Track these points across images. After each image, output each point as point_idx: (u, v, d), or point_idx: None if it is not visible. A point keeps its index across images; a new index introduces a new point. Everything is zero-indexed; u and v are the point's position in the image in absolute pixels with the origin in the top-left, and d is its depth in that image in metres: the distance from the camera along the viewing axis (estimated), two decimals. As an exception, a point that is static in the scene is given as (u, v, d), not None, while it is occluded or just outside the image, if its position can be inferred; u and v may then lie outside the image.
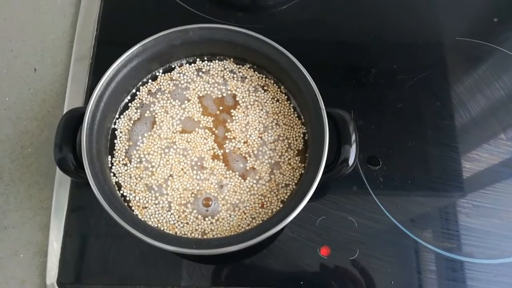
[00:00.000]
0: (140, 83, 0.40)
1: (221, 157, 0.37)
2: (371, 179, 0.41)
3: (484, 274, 0.39)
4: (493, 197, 0.41)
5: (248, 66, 0.40)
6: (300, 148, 0.38)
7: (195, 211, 0.35)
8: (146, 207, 0.35)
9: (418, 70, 0.45)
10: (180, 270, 0.38)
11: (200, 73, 0.40)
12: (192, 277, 0.38)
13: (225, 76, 0.40)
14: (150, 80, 0.40)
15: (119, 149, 0.37)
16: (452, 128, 0.44)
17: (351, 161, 0.36)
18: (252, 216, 0.35)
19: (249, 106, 0.39)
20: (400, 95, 0.45)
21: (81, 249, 0.38)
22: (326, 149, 0.33)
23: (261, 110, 0.39)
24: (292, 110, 0.39)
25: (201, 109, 0.39)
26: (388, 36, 0.47)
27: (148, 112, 0.38)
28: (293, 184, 0.37)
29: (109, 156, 0.37)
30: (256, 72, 0.40)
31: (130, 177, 0.36)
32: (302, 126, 0.39)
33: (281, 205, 0.36)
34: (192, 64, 0.40)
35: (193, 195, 0.36)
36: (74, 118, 0.35)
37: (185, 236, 0.34)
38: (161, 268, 0.38)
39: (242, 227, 0.35)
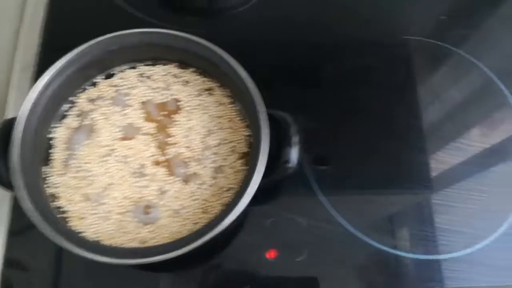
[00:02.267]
0: (80, 90, 0.39)
1: (163, 163, 0.37)
2: (321, 179, 0.41)
3: (435, 271, 0.39)
4: (447, 194, 0.42)
5: (192, 70, 0.40)
6: (244, 151, 0.38)
7: (135, 219, 0.35)
8: (83, 218, 0.34)
9: (369, 70, 0.46)
10: (129, 281, 0.38)
11: (142, 78, 0.40)
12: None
13: (168, 81, 0.40)
14: (90, 87, 0.39)
15: (56, 159, 0.36)
16: (401, 126, 0.44)
17: (292, 162, 0.35)
18: (195, 222, 0.35)
19: (193, 111, 0.39)
20: (353, 95, 0.45)
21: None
22: (261, 151, 0.33)
23: (205, 114, 0.39)
24: (237, 113, 0.39)
25: (143, 115, 0.38)
26: (341, 37, 0.48)
27: (87, 119, 0.38)
28: (237, 187, 0.36)
29: (46, 166, 0.36)
30: (200, 76, 0.40)
31: (68, 187, 0.35)
32: (247, 129, 0.38)
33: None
34: (134, 69, 0.40)
35: (133, 203, 0.35)
36: (8, 128, 0.34)
37: (122, 246, 0.33)
38: (111, 283, 0.38)
39: (183, 233, 0.34)
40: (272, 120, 0.36)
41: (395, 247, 0.39)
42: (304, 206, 0.41)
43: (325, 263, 0.39)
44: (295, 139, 0.36)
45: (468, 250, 0.39)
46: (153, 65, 0.40)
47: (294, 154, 0.36)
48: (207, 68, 0.39)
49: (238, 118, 0.38)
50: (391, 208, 0.41)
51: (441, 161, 0.42)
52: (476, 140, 0.43)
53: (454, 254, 0.39)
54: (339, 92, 0.45)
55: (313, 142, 0.42)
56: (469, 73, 0.46)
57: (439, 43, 0.47)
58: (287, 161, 0.35)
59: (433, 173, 0.42)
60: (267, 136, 0.34)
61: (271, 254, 0.39)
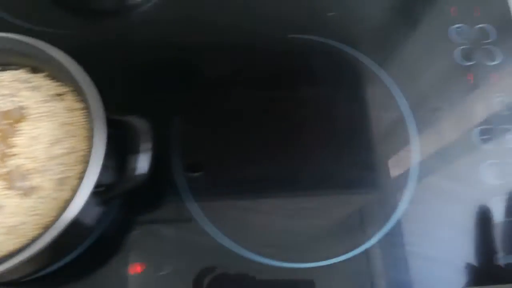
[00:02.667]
0: None
1: (3, 176, 0.34)
2: (193, 188, 0.39)
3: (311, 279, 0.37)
4: (315, 198, 0.40)
5: (44, 74, 0.37)
6: (95, 160, 0.35)
7: (-37, 239, 0.32)
8: None
9: (251, 70, 0.44)
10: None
11: (-13, 85, 0.37)
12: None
13: (16, 87, 0.37)
14: None
15: None
16: (279, 130, 0.42)
17: (140, 170, 0.33)
18: (33, 238, 0.32)
19: (40, 118, 0.36)
20: (231, 96, 0.43)
21: None
22: (92, 160, 0.31)
23: (53, 121, 0.36)
24: (87, 119, 0.36)
25: (-17, 125, 0.35)
26: (222, 38, 0.45)
27: None
28: (83, 199, 0.34)
29: None
30: (52, 81, 0.37)
31: None
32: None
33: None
34: (-22, 76, 0.37)
35: (-39, 221, 0.32)
36: None
37: None
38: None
39: (16, 251, 0.32)
40: (123, 125, 0.34)
41: (267, 257, 0.37)
42: (173, 216, 0.38)
43: (189, 277, 0.36)
44: (145, 145, 0.34)
45: (341, 258, 0.38)
46: (3, 70, 0.37)
47: (142, 162, 0.34)
48: (56, 72, 0.36)
49: (89, 125, 0.36)
50: (262, 216, 0.39)
51: (316, 163, 0.41)
52: (358, 140, 0.42)
53: (326, 262, 0.38)
54: (219, 96, 0.43)
55: (187, 148, 0.40)
56: (357, 69, 0.44)
57: (325, 40, 0.45)
58: (134, 169, 0.33)
59: (305, 177, 0.40)
60: (100, 142, 0.31)
61: (135, 269, 0.37)
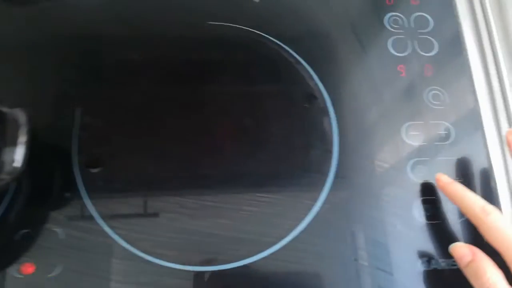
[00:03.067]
0: None
1: None
2: (89, 183, 0.37)
3: (205, 283, 0.34)
4: (226, 195, 0.37)
5: None
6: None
7: None
8: None
9: (160, 60, 0.41)
10: None
11: None
12: None
13: None
14: None
15: None
16: (186, 125, 0.39)
17: (12, 163, 0.31)
18: None
19: None
20: (139, 88, 0.40)
21: None
22: None
23: None
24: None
25: None
26: (129, 25, 0.42)
27: None
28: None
29: None
30: None
31: None
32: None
33: None
34: None
35: None
36: None
37: None
38: None
39: None
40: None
41: (165, 259, 0.35)
42: (68, 214, 0.36)
43: (81, 278, 0.34)
44: (21, 138, 0.32)
45: (247, 261, 0.35)
46: None
47: (17, 155, 0.31)
48: None
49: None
50: (163, 216, 0.36)
51: (225, 160, 0.38)
52: (274, 137, 0.39)
53: (232, 265, 0.35)
54: (126, 89, 0.40)
55: (88, 143, 0.38)
56: (278, 61, 0.41)
57: (246, 28, 0.42)
58: (8, 162, 0.31)
59: (212, 175, 0.37)
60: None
61: (27, 269, 0.34)
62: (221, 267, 0.35)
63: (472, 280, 0.31)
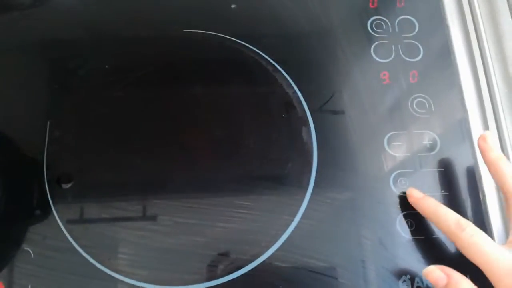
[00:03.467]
0: None
1: None
2: (59, 200, 0.36)
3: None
4: (200, 211, 0.36)
5: None
6: None
7: None
8: None
9: (134, 68, 0.40)
10: None
11: None
12: None
13: None
14: None
15: None
16: (162, 134, 0.38)
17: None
18: None
19: None
20: (110, 98, 0.39)
21: None
22: None
23: None
24: None
25: None
26: (101, 33, 0.41)
27: None
28: None
29: None
30: None
31: None
32: None
33: None
34: None
35: None
36: None
37: None
38: None
39: None
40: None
41: (134, 278, 0.34)
42: (38, 232, 0.35)
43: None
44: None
45: (222, 280, 0.34)
46: None
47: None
48: None
49: None
50: (136, 234, 0.35)
51: (200, 171, 0.37)
52: (255, 148, 0.38)
53: (207, 284, 0.34)
54: (98, 98, 0.39)
55: (57, 156, 0.37)
56: (255, 68, 0.40)
57: (223, 35, 0.41)
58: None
59: (186, 187, 0.36)
60: None
61: (-5, 289, 0.34)
62: (195, 287, 0.34)
63: None
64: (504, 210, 0.36)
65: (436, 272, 0.30)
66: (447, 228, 0.31)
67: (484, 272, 0.30)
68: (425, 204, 0.34)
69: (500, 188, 0.34)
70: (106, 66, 0.39)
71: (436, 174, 0.36)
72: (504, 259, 0.29)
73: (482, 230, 0.34)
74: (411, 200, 0.35)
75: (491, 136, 0.34)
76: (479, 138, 0.35)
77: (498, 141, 0.38)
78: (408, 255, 0.35)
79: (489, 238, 0.30)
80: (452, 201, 0.36)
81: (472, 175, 0.37)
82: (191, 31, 0.41)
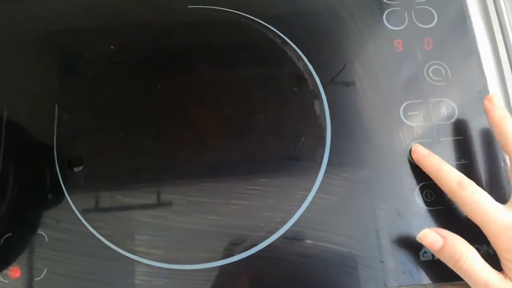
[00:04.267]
0: None
1: None
2: (71, 183, 0.35)
3: (194, 281, 0.33)
4: (212, 189, 0.35)
5: None
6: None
7: None
8: None
9: (140, 48, 0.39)
10: None
11: None
12: None
13: None
14: None
15: None
16: (170, 116, 0.37)
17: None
18: None
19: None
20: (117, 79, 0.38)
21: None
22: None
23: None
24: None
25: None
26: (103, 14, 0.40)
27: None
28: None
29: None
30: None
31: None
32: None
33: None
34: None
35: None
36: None
37: None
38: None
39: None
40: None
41: (149, 258, 0.33)
42: (51, 215, 0.35)
43: (67, 281, 0.33)
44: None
45: (238, 257, 0.33)
46: None
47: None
48: None
49: None
50: (149, 214, 0.34)
51: (213, 152, 0.36)
52: (267, 124, 0.37)
53: (223, 262, 0.33)
54: (101, 79, 0.38)
55: (67, 140, 0.36)
56: (264, 44, 0.38)
57: (229, 10, 0.39)
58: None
59: (199, 168, 0.35)
60: None
61: (13, 274, 0.34)
62: (212, 264, 0.33)
63: (449, 264, 0.30)
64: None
65: (431, 235, 0.30)
66: (449, 186, 0.31)
67: (482, 230, 0.30)
68: (429, 161, 0.33)
69: (503, 148, 0.33)
70: (112, 47, 0.39)
71: (455, 143, 0.35)
72: (502, 217, 0.29)
73: (504, 198, 0.34)
74: (415, 156, 0.34)
75: (497, 96, 0.34)
76: (485, 98, 0.34)
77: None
78: (427, 226, 0.33)
79: (489, 197, 0.30)
80: (472, 169, 0.35)
81: (493, 143, 0.36)
82: (196, 7, 0.40)
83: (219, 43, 0.39)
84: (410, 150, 0.35)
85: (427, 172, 0.34)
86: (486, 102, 0.34)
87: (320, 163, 0.35)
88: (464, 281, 0.30)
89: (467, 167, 0.35)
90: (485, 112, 0.34)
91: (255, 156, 0.36)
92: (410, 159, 0.35)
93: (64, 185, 0.35)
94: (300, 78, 0.37)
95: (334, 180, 0.35)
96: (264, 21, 0.38)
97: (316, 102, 0.37)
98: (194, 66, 0.38)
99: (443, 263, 0.31)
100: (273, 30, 0.38)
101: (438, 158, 0.33)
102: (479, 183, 0.33)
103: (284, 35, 0.38)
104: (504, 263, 0.29)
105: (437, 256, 0.31)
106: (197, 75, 0.38)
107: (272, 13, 0.39)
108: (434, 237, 0.30)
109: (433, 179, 0.33)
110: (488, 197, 0.30)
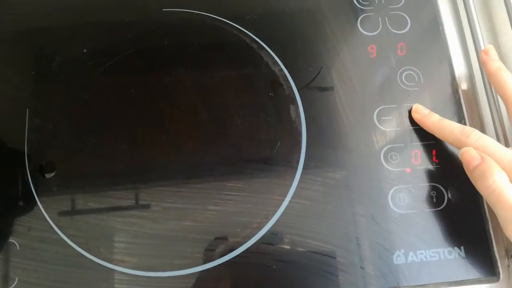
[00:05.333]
0: None
1: None
2: (43, 189, 0.35)
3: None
4: (188, 195, 0.35)
5: None
6: None
7: None
8: None
9: (113, 51, 0.38)
10: None
11: None
12: None
13: None
14: None
15: None
16: (144, 118, 0.37)
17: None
18: None
19: None
20: (90, 83, 0.37)
21: None
22: None
23: None
24: None
25: None
26: (76, 16, 0.39)
27: None
28: None
29: None
30: None
31: None
32: None
33: None
34: None
35: None
36: None
37: None
38: None
39: None
40: None
41: (123, 265, 0.33)
42: (22, 223, 0.34)
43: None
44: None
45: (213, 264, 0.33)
46: None
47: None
48: None
49: None
50: (123, 221, 0.34)
51: (186, 156, 0.36)
52: (242, 128, 0.37)
53: (199, 268, 0.33)
54: (70, 82, 0.37)
55: (39, 146, 0.35)
56: (238, 47, 0.38)
57: (204, 13, 0.39)
58: None
59: (173, 173, 0.35)
60: None
61: (-17, 284, 0.33)
62: (188, 271, 0.33)
63: (479, 183, 0.31)
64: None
65: (472, 153, 0.31)
66: (454, 137, 0.33)
67: None
68: (430, 120, 0.35)
69: (501, 97, 0.35)
70: (84, 50, 0.38)
71: (428, 147, 0.36)
72: (507, 154, 0.31)
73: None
74: (416, 116, 0.36)
75: (493, 49, 0.36)
76: (482, 51, 0.36)
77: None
78: (401, 229, 0.34)
79: (493, 140, 0.32)
80: (446, 172, 0.35)
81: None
82: (171, 10, 0.39)
83: (194, 47, 0.38)
84: (411, 110, 0.37)
85: (429, 131, 0.35)
86: (483, 54, 0.36)
87: (296, 168, 0.35)
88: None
89: (440, 171, 0.35)
90: (482, 64, 0.36)
91: (231, 161, 0.36)
92: (384, 163, 0.35)
93: (35, 192, 0.34)
94: (276, 83, 0.37)
95: (310, 184, 0.35)
96: (240, 26, 0.38)
97: (292, 107, 0.37)
98: (169, 71, 0.38)
99: (417, 265, 0.32)
100: (249, 35, 0.38)
101: (437, 116, 0.35)
102: (453, 186, 0.35)
103: (260, 39, 0.38)
104: None
105: (469, 175, 0.32)
106: (172, 79, 0.37)
107: (248, 17, 0.39)
108: (474, 154, 0.31)
109: (437, 136, 0.35)
110: (492, 140, 0.32)
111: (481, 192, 0.31)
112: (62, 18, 0.39)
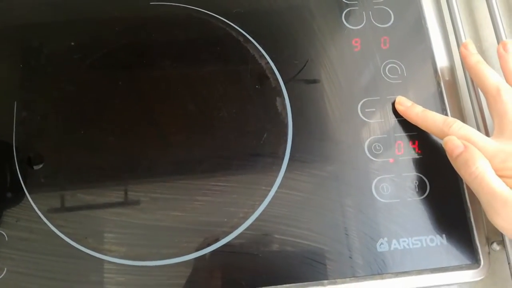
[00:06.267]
0: None
1: None
2: (31, 181, 0.35)
3: (157, 277, 0.33)
4: (176, 186, 0.36)
5: None
6: None
7: None
8: None
9: (101, 44, 0.39)
10: None
11: None
12: None
13: None
14: None
15: None
16: (131, 112, 0.37)
17: None
18: None
19: None
20: (78, 75, 0.38)
21: None
22: None
23: None
24: None
25: None
26: (64, 9, 0.40)
27: None
28: None
29: None
30: None
31: None
32: None
33: None
34: None
35: None
36: None
37: None
38: None
39: None
40: None
41: (111, 255, 0.33)
42: (11, 214, 0.34)
43: (30, 278, 0.33)
44: None
45: (200, 253, 0.34)
46: None
47: None
48: None
49: None
50: (111, 211, 0.34)
51: (175, 149, 0.36)
52: (229, 120, 0.37)
53: (186, 257, 0.34)
54: (58, 75, 0.37)
55: (27, 137, 0.36)
56: (226, 41, 0.39)
57: (191, 7, 0.40)
58: None
59: (161, 165, 0.36)
60: None
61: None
62: (175, 260, 0.34)
63: (462, 171, 0.32)
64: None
65: (455, 141, 0.32)
66: (437, 127, 0.34)
67: None
68: (413, 111, 0.36)
69: (481, 89, 0.36)
70: (72, 43, 0.38)
71: (410, 138, 0.37)
72: (487, 143, 0.32)
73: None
74: (399, 108, 0.37)
75: (471, 43, 0.37)
76: (461, 45, 0.37)
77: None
78: (384, 218, 0.35)
79: (475, 130, 0.33)
80: (428, 162, 0.36)
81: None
82: (158, 3, 0.40)
83: (181, 41, 0.39)
84: (394, 102, 0.37)
85: (413, 122, 0.36)
86: (462, 48, 0.37)
87: (283, 159, 0.36)
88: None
89: (422, 161, 0.36)
90: (462, 58, 0.37)
91: (219, 152, 0.36)
92: (368, 154, 0.36)
93: (24, 183, 0.35)
94: (263, 76, 0.38)
95: (296, 175, 0.36)
96: (227, 19, 0.39)
97: (278, 99, 0.37)
98: (157, 63, 0.38)
99: (401, 253, 0.33)
100: (236, 28, 0.39)
101: (420, 108, 0.36)
102: (435, 176, 0.35)
103: (247, 33, 0.39)
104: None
105: (453, 163, 0.33)
106: (160, 73, 0.38)
107: (235, 11, 0.39)
108: (457, 143, 0.32)
109: (421, 127, 0.36)
110: (473, 129, 0.33)
111: (464, 179, 0.32)
112: (50, 11, 0.39)
